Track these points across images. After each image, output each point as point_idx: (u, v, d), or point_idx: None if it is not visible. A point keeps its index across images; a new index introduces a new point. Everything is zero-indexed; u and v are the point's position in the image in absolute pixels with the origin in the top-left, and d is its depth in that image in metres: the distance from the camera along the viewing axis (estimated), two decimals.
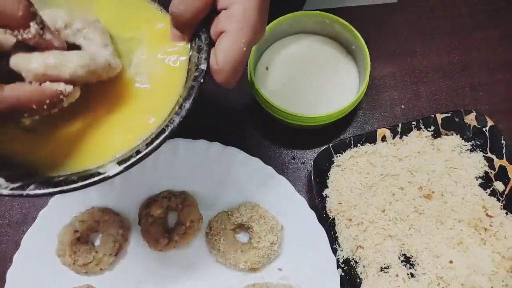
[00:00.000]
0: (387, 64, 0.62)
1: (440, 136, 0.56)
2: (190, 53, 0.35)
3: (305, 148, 0.59)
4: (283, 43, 0.59)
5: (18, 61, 0.29)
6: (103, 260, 0.50)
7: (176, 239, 0.51)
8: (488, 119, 0.55)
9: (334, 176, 0.54)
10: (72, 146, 0.33)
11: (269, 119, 0.60)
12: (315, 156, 0.54)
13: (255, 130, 0.60)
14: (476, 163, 0.55)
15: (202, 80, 0.33)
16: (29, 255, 0.51)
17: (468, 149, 0.55)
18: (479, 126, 0.55)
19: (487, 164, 0.55)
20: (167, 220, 0.54)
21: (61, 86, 0.29)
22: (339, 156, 0.55)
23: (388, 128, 0.55)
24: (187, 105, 0.32)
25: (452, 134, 0.56)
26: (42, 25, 0.29)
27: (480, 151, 0.55)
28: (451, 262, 0.51)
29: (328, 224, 0.52)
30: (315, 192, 0.52)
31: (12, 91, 0.28)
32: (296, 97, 0.56)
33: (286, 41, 0.59)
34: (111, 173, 0.30)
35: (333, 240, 0.51)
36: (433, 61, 0.63)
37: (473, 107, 0.59)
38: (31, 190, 0.29)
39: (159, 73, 0.36)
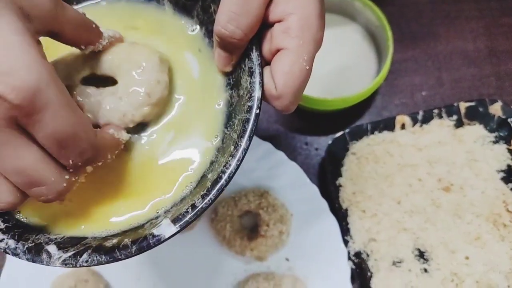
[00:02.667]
0: (409, 48, 0.59)
1: (462, 126, 0.52)
2: (235, 76, 0.30)
3: (319, 134, 0.56)
4: None
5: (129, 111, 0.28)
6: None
7: None
8: None
9: (349, 164, 0.51)
10: (104, 196, 0.29)
11: None
12: (329, 142, 0.51)
13: (267, 112, 0.57)
14: (499, 155, 0.51)
15: (258, 111, 0.27)
16: None
17: (491, 141, 0.52)
18: (504, 117, 0.51)
19: (510, 157, 0.51)
20: None
21: (124, 135, 0.28)
22: (355, 143, 0.51)
23: (408, 116, 0.51)
24: (244, 143, 0.27)
25: (475, 125, 0.52)
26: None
27: (504, 143, 0.51)
28: (467, 258, 0.48)
29: (341, 215, 0.49)
30: (328, 181, 0.49)
31: (102, 140, 0.26)
32: (311, 79, 0.52)
33: None
34: (167, 235, 0.26)
35: (345, 231, 0.49)
36: (457, 47, 0.59)
37: (499, 97, 0.55)
38: (84, 261, 0.26)
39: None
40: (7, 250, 0.27)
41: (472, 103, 0.52)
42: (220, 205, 0.49)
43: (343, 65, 0.54)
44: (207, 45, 0.31)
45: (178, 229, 0.26)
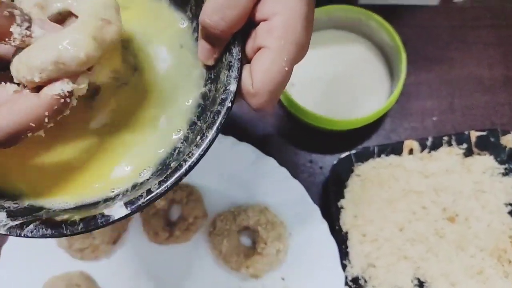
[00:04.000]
0: (423, 71, 0.57)
1: (471, 155, 0.51)
2: (216, 71, 0.29)
3: (324, 152, 0.55)
4: (312, 37, 0.54)
5: (17, 65, 0.24)
6: (99, 248, 0.48)
7: (177, 235, 0.48)
8: None
9: (353, 186, 0.50)
10: (67, 170, 0.29)
11: (288, 118, 0.56)
12: (334, 161, 0.49)
13: (272, 127, 0.56)
14: (507, 188, 0.50)
15: (230, 105, 0.27)
16: None
17: (500, 173, 0.50)
18: None
19: None
20: (170, 213, 0.51)
21: (57, 88, 0.24)
22: (360, 165, 0.50)
23: (416, 141, 0.50)
24: (210, 135, 0.26)
25: (485, 155, 0.51)
26: (28, 22, 0.24)
27: None
28: None
29: (340, 238, 0.48)
30: (330, 201, 0.48)
31: (7, 117, 0.23)
32: (320, 97, 0.52)
33: (315, 36, 0.54)
34: (116, 217, 0.25)
35: (344, 255, 0.47)
36: (472, 73, 0.57)
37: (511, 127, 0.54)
38: (29, 232, 0.26)
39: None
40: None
41: (484, 133, 0.50)
42: (219, 219, 0.48)
43: (354, 84, 0.53)
44: (194, 40, 0.31)
45: (129, 212, 0.25)
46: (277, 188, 0.49)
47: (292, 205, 0.49)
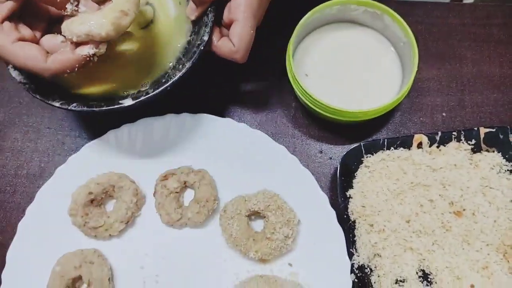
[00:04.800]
0: (434, 67, 0.58)
1: (480, 152, 0.51)
2: (198, 27, 0.46)
3: (335, 143, 0.55)
4: (327, 29, 0.55)
5: (64, 28, 0.39)
6: (113, 226, 0.49)
7: (189, 217, 0.49)
8: None
9: (361, 177, 0.50)
10: (103, 77, 0.47)
11: (300, 109, 0.56)
12: (344, 153, 0.50)
13: (285, 117, 0.56)
14: None
15: (202, 48, 0.44)
16: (42, 210, 0.50)
17: (508, 170, 0.50)
18: None
19: None
20: (183, 196, 0.52)
21: (85, 51, 0.38)
22: (370, 157, 0.51)
23: (426, 135, 0.50)
24: (188, 65, 0.44)
25: (494, 151, 0.51)
26: (77, 1, 0.39)
27: None
28: (472, 286, 0.47)
29: (348, 227, 0.48)
30: (338, 191, 0.49)
31: (53, 63, 0.39)
32: (333, 88, 0.52)
33: (330, 28, 0.55)
34: (126, 104, 0.43)
35: (351, 243, 0.48)
36: (483, 71, 0.58)
37: None
38: (73, 107, 0.43)
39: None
40: (28, 87, 0.43)
41: (493, 129, 0.51)
42: (230, 203, 0.49)
43: (366, 77, 0.53)
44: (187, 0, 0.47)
45: (134, 102, 0.43)
46: (287, 176, 0.50)
47: (302, 193, 0.49)
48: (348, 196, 0.50)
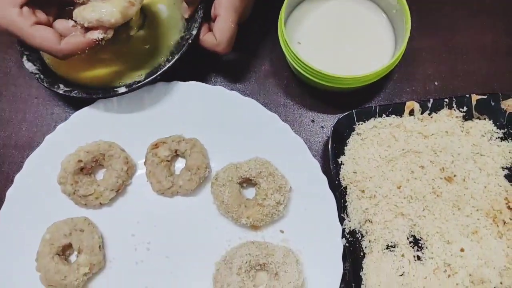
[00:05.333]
0: (426, 37, 0.57)
1: (471, 119, 0.51)
2: (190, 24, 0.51)
3: (327, 112, 0.55)
4: None
5: (77, 14, 0.44)
6: (103, 195, 0.48)
7: (180, 184, 0.48)
8: None
9: (353, 144, 0.50)
10: (103, 71, 0.52)
11: (293, 78, 0.56)
12: (336, 121, 0.49)
13: (278, 87, 0.56)
14: (505, 152, 0.50)
15: (190, 42, 0.49)
16: (31, 178, 0.49)
17: (499, 137, 0.51)
18: None
19: None
20: (174, 166, 0.51)
21: (95, 35, 0.43)
22: (361, 124, 0.50)
23: (418, 102, 0.50)
24: (177, 56, 0.49)
25: (485, 119, 0.51)
26: None
27: None
28: (462, 250, 0.47)
29: (339, 192, 0.48)
30: (330, 157, 0.49)
31: (66, 45, 0.43)
32: (326, 56, 0.52)
33: None
34: (120, 91, 0.49)
35: (342, 209, 0.48)
36: (476, 40, 0.57)
37: None
38: (74, 93, 0.49)
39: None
40: (38, 77, 0.49)
41: (484, 96, 0.51)
42: (222, 171, 0.48)
43: (359, 45, 0.52)
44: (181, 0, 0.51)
45: (127, 90, 0.49)
46: (279, 143, 0.50)
47: (294, 160, 0.49)
48: (340, 162, 0.49)
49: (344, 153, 0.50)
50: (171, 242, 0.49)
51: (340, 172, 0.49)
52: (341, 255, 0.46)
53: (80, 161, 0.48)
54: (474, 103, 0.51)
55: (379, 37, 0.53)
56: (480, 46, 0.57)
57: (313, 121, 0.54)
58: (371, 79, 0.49)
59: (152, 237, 0.49)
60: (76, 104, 0.53)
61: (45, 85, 0.48)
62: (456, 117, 0.51)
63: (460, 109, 0.51)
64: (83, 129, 0.50)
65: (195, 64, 0.55)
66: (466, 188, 0.49)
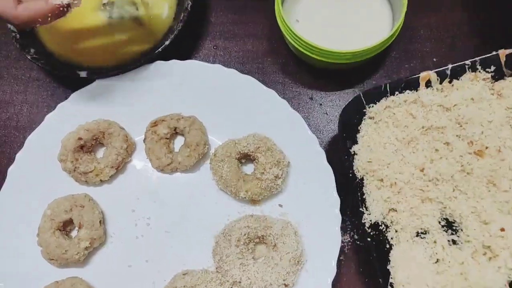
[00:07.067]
0: (424, 14, 0.54)
1: (503, 78, 0.44)
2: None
3: (325, 90, 0.53)
4: None
5: None
6: (103, 172, 0.47)
7: (179, 161, 0.47)
8: None
9: (366, 130, 0.44)
10: (98, 51, 0.52)
11: (291, 57, 0.54)
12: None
13: (275, 64, 0.54)
14: None
15: (183, 23, 0.50)
16: (32, 156, 0.48)
17: None
18: None
19: None
20: (173, 143, 0.50)
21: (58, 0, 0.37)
22: (372, 106, 0.45)
23: (434, 72, 0.44)
24: (166, 42, 0.50)
25: None
26: None
27: None
28: (502, 230, 0.40)
29: (355, 185, 0.44)
30: (341, 149, 0.45)
31: (24, 10, 0.37)
32: (324, 33, 0.50)
33: None
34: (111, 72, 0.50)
35: (360, 202, 0.43)
36: (473, 17, 0.54)
37: None
38: (42, 65, 0.49)
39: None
40: (14, 36, 0.49)
41: None
42: (220, 147, 0.47)
43: (356, 22, 0.50)
44: None
45: (119, 70, 0.50)
46: (277, 119, 0.48)
47: (291, 134, 0.47)
48: (352, 152, 0.45)
49: (357, 141, 0.46)
50: (171, 217, 0.48)
51: (353, 163, 0.45)
52: (339, 226, 0.45)
53: (80, 138, 0.47)
54: (503, 59, 0.44)
55: (377, 13, 0.50)
56: (477, 24, 0.53)
57: (311, 98, 0.52)
58: (369, 53, 0.44)
59: (152, 212, 0.48)
60: (76, 87, 0.52)
61: (17, 46, 0.49)
62: (483, 79, 0.44)
63: (487, 69, 0.44)
64: (83, 108, 0.50)
65: (192, 42, 0.54)
66: (502, 160, 0.42)
